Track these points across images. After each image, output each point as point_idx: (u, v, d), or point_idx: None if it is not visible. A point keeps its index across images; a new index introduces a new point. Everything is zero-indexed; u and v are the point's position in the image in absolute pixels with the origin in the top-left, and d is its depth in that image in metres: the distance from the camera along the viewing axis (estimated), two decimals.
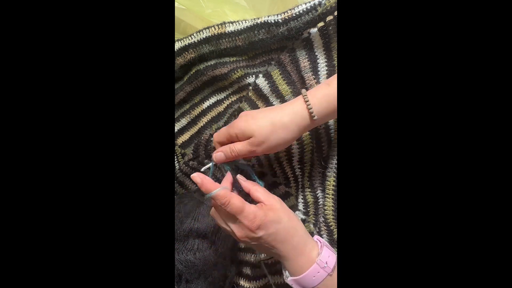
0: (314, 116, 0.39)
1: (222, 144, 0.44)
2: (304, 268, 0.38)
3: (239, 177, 0.43)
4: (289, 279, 0.39)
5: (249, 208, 0.38)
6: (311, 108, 0.39)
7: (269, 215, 0.38)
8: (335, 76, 0.41)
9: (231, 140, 0.43)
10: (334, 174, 0.49)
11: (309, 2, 0.45)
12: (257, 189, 0.41)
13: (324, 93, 0.40)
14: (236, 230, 0.38)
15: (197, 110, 0.58)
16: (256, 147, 0.40)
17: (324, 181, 0.52)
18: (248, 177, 0.45)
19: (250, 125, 0.40)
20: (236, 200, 0.38)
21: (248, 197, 0.42)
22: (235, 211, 0.37)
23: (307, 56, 0.49)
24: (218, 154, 0.43)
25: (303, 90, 0.40)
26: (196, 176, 0.39)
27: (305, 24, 0.46)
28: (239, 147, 0.41)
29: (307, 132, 0.51)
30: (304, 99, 0.40)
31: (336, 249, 0.49)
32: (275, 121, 0.40)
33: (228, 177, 0.43)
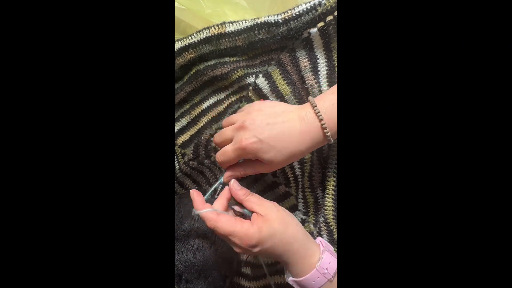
0: (331, 140, 0.39)
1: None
2: (304, 272, 0.37)
3: (232, 185, 0.42)
4: (289, 279, 0.39)
5: (240, 228, 0.36)
6: (328, 136, 0.38)
7: (264, 230, 0.36)
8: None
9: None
10: (334, 174, 0.49)
11: (309, 2, 0.45)
12: (249, 199, 0.40)
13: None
14: (233, 246, 0.38)
15: (197, 110, 0.58)
16: (269, 170, 0.41)
17: (324, 181, 0.52)
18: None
19: (263, 155, 0.38)
20: (223, 224, 0.37)
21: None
22: (224, 235, 0.37)
23: (307, 56, 0.49)
24: (228, 179, 0.43)
25: (319, 116, 0.38)
26: (192, 192, 0.41)
27: (305, 24, 0.46)
28: (250, 171, 0.42)
29: None
30: (322, 127, 0.38)
31: (336, 249, 0.49)
32: (295, 153, 0.39)
33: (225, 193, 0.42)
